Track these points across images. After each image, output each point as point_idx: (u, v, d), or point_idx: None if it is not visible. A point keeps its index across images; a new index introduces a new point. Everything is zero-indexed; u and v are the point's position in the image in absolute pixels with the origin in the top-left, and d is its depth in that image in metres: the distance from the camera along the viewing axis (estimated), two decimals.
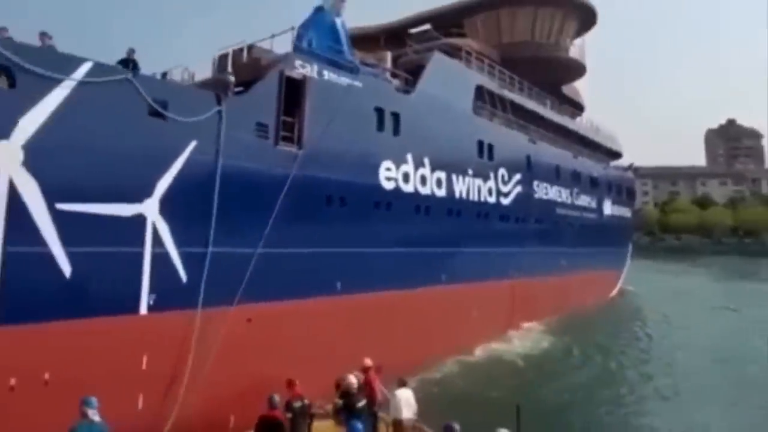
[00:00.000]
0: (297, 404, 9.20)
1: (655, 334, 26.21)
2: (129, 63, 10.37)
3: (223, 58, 14.79)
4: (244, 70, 13.76)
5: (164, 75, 15.03)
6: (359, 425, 7.73)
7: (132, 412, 10.14)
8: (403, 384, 10.02)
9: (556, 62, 29.57)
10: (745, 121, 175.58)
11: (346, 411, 9.36)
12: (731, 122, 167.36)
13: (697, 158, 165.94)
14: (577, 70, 32.13)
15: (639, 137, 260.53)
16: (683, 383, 17.53)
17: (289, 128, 13.28)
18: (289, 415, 8.90)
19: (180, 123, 10.95)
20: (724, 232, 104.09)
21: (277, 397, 8.40)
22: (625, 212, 41.16)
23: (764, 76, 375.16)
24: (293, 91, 13.32)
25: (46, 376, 9.14)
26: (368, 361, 10.55)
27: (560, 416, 14.21)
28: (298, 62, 13.50)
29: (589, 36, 33.52)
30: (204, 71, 15.44)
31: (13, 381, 8.82)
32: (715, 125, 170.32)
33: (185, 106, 11.12)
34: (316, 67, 13.95)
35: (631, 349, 23.28)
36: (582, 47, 31.30)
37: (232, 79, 12.49)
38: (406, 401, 9.62)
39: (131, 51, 10.25)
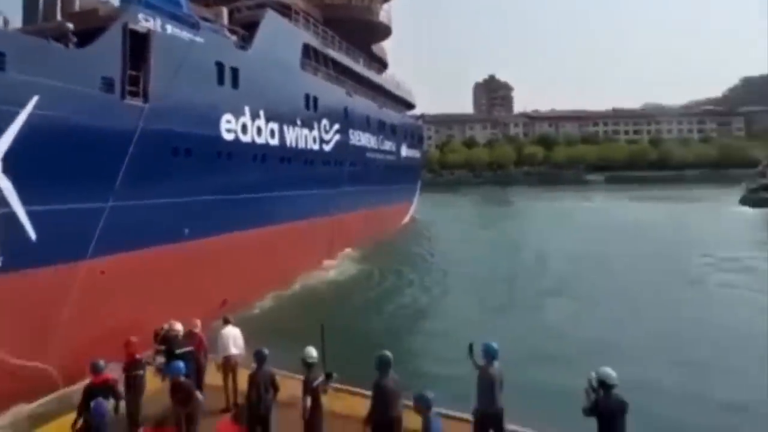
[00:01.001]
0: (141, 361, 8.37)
1: (438, 251, 30.87)
2: None
3: (49, 4, 12.75)
4: (77, 20, 12.21)
5: None
6: (180, 363, 7.17)
7: None
8: (227, 322, 9.50)
9: (368, 24, 30.88)
10: (502, 75, 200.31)
11: (166, 356, 8.75)
12: (492, 77, 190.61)
13: (467, 107, 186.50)
14: (384, 31, 34.02)
15: (427, 89, 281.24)
16: (459, 288, 21.22)
17: (135, 82, 12.44)
18: (140, 372, 8.12)
19: (20, 76, 9.67)
20: (484, 167, 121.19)
21: (102, 362, 7.25)
22: (416, 154, 45.88)
23: (516, 36, 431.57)
24: (137, 45, 12.40)
25: None
26: (198, 323, 9.56)
27: (360, 331, 15.44)
28: (141, 15, 12.52)
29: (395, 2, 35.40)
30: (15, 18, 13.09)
31: None
32: (480, 79, 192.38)
33: (25, 58, 9.79)
34: (159, 21, 13.09)
35: (419, 265, 27.03)
36: (389, 12, 33.11)
37: (71, 27, 11.11)
38: (233, 339, 9.20)
39: None
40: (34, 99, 10.03)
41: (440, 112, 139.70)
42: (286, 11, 20.68)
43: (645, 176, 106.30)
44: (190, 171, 14.63)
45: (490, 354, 6.54)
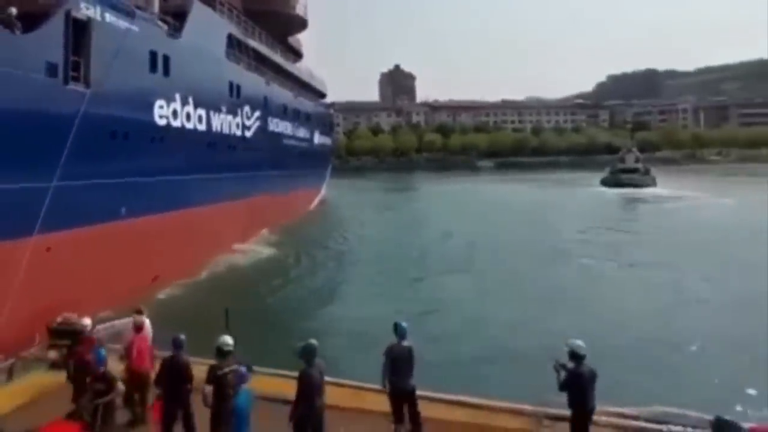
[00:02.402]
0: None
1: (348, 233, 32.14)
2: None
3: None
4: (15, 5, 12.16)
5: None
6: (103, 352, 6.66)
7: None
8: (139, 312, 8.24)
9: (285, 16, 31.46)
10: (406, 66, 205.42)
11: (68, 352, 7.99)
12: (397, 67, 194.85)
13: (373, 95, 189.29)
14: (301, 24, 34.75)
15: (335, 77, 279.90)
16: (369, 269, 21.57)
17: (76, 68, 12.70)
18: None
19: None
20: (388, 153, 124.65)
21: None
22: (328, 141, 47.21)
23: (418, 27, 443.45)
24: (78, 32, 12.63)
25: None
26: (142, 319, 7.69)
27: (267, 314, 15.41)
28: (83, 4, 12.72)
29: None
30: None
31: None
32: (386, 69, 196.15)
33: None
34: (99, 10, 13.33)
35: (331, 246, 27.36)
36: (305, 5, 33.77)
37: (14, 11, 11.17)
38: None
39: None
40: None
41: (348, 100, 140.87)
42: (210, 1, 21.00)
43: (527, 162, 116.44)
44: (126, 153, 15.02)
45: (399, 332, 6.56)
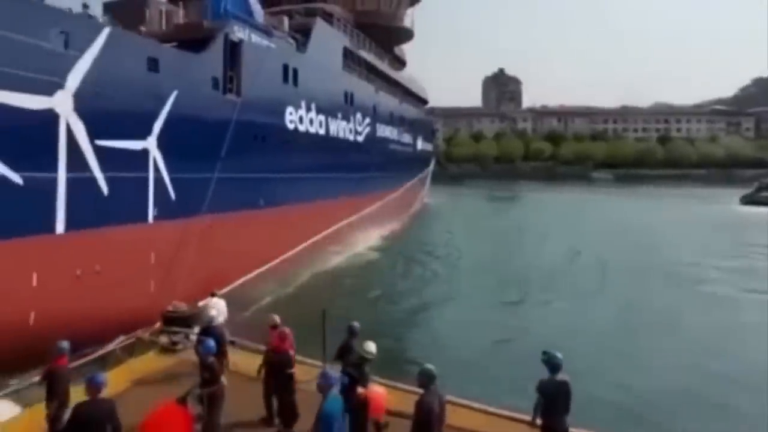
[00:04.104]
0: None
1: (449, 240, 32.58)
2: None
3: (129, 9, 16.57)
4: (184, 29, 16.14)
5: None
6: (211, 342, 7.18)
7: (147, 293, 13.38)
8: (213, 295, 10.24)
9: (394, 29, 34.85)
10: (510, 70, 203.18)
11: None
12: (501, 71, 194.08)
13: (476, 100, 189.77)
14: (408, 35, 38.04)
15: (437, 81, 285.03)
16: (466, 279, 21.93)
17: (230, 81, 16.33)
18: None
19: (167, 77, 13.58)
20: (491, 161, 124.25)
21: (65, 344, 6.62)
22: (429, 147, 49.90)
23: (526, 32, 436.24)
24: (233, 51, 16.30)
25: (97, 267, 11.92)
26: (277, 318, 8.23)
27: (364, 318, 15.72)
28: (236, 27, 16.40)
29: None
30: None
31: (78, 271, 11.51)
32: (489, 73, 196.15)
33: (169, 63, 13.72)
34: (248, 32, 16.97)
35: (431, 253, 27.75)
36: (412, 16, 37.04)
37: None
38: (221, 309, 9.74)
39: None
40: (174, 93, 13.95)
41: (448, 105, 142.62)
42: (328, 18, 24.59)
43: (652, 174, 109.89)
44: (264, 153, 18.55)
45: (553, 364, 5.96)
